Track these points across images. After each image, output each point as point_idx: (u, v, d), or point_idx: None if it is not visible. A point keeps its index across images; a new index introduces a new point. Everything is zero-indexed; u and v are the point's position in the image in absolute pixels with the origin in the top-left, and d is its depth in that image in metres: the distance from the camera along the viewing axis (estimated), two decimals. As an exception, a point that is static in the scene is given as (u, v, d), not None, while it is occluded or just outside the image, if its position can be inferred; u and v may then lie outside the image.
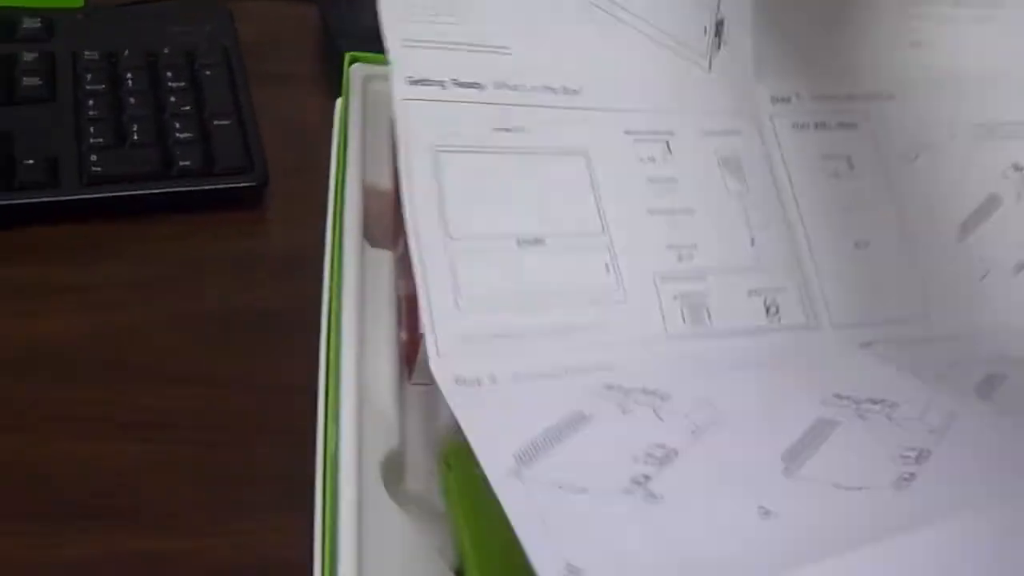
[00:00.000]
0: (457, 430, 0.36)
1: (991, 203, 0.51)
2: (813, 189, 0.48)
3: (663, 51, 0.48)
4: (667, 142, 0.46)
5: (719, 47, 0.49)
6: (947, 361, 0.45)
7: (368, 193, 0.48)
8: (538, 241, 0.41)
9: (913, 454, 0.37)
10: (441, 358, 0.37)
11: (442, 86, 0.42)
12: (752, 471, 0.35)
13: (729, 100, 0.48)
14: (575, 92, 0.45)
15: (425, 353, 0.38)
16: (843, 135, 0.50)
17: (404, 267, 0.43)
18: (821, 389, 0.40)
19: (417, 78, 0.42)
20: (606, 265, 0.42)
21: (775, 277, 0.45)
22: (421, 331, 0.39)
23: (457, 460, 0.40)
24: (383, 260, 0.46)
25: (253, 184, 0.59)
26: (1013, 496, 0.35)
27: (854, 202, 0.48)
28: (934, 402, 0.40)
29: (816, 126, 0.49)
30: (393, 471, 0.40)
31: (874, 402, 0.40)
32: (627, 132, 0.45)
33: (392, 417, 0.40)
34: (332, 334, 0.41)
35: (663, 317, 0.42)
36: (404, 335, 0.45)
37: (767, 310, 0.44)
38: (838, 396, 0.40)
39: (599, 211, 0.43)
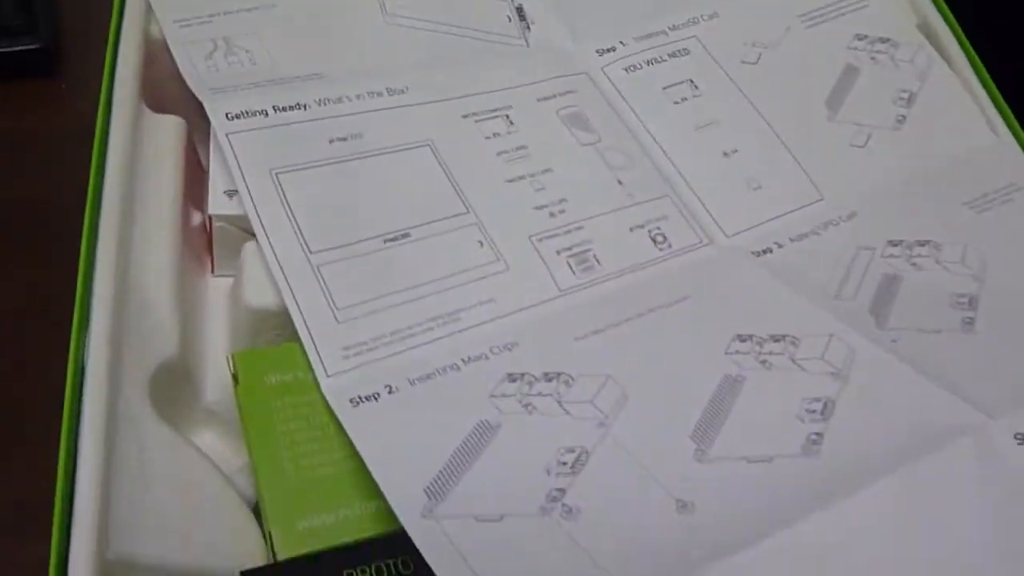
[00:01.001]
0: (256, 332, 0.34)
1: (849, 74, 0.52)
2: (663, 118, 0.48)
3: (477, 43, 0.49)
4: (507, 115, 0.45)
5: (528, 27, 0.50)
6: (851, 249, 0.45)
7: (152, 48, 0.43)
8: (404, 235, 0.40)
9: (818, 407, 0.37)
10: (331, 378, 0.36)
11: (264, 114, 0.42)
12: (665, 461, 0.35)
13: (555, 67, 0.48)
14: (402, 91, 0.45)
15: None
16: (678, 63, 0.50)
17: (203, 134, 0.40)
18: (723, 331, 0.39)
19: (235, 112, 0.42)
20: (479, 241, 0.41)
21: (653, 209, 0.44)
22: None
23: (246, 370, 0.36)
24: (169, 128, 0.41)
25: (36, 47, 0.49)
26: (910, 456, 0.35)
27: (709, 118, 0.48)
28: (835, 334, 0.40)
29: (648, 63, 0.49)
30: (169, 385, 0.35)
31: (776, 339, 0.40)
32: (465, 116, 0.45)
33: (167, 320, 0.35)
34: (91, 217, 0.36)
35: (551, 275, 0.41)
36: (204, 215, 0.41)
37: (654, 241, 0.43)
38: (740, 338, 0.39)
39: (458, 193, 0.42)
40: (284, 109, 0.42)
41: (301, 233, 0.39)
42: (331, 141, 0.42)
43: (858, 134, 0.49)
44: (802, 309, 0.41)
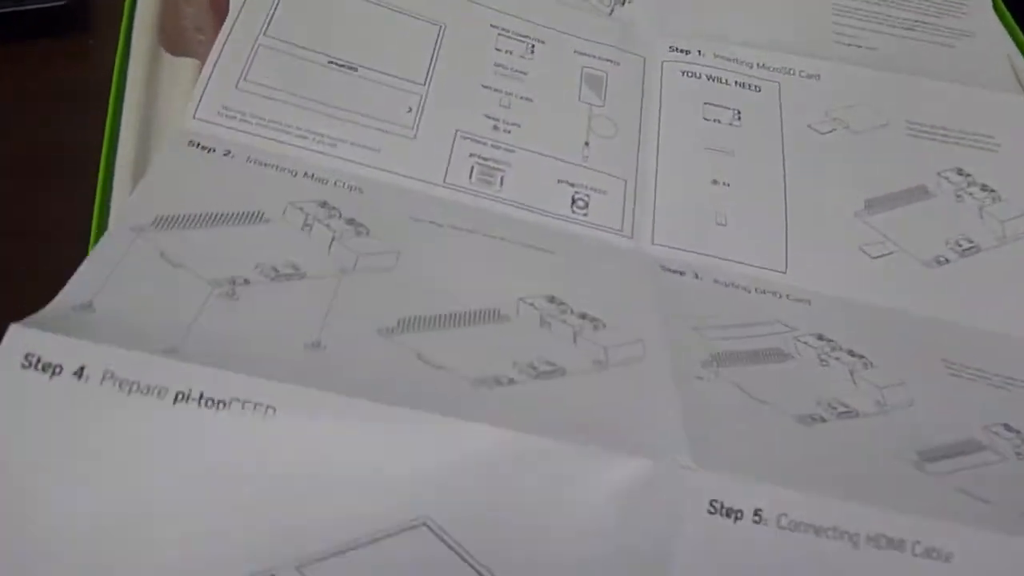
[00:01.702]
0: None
1: (917, 193, 0.45)
2: (683, 123, 0.45)
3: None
4: (532, 46, 0.46)
5: (623, 3, 0.50)
6: (770, 320, 0.39)
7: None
8: (351, 67, 0.43)
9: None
10: (194, 121, 0.39)
11: None
12: None
13: (619, 38, 0.48)
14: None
15: None
16: (739, 93, 0.47)
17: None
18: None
19: None
20: (410, 108, 0.42)
21: (599, 180, 0.43)
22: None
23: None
24: (185, 69, 0.43)
25: (63, 3, 0.50)
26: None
27: (728, 146, 0.45)
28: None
29: (711, 78, 0.47)
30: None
31: (581, 316, 0.36)
32: (494, 25, 0.46)
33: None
34: (107, 155, 0.40)
35: (447, 167, 0.41)
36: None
37: (573, 201, 0.42)
38: (550, 298, 0.37)
39: (430, 67, 0.44)
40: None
41: (271, 17, 0.43)
42: None
43: (877, 245, 0.43)
44: (629, 313, 0.37)
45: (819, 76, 0.48)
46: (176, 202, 0.36)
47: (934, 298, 0.42)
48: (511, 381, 0.32)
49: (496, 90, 0.44)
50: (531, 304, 0.36)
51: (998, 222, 0.45)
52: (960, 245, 0.44)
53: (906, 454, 0.34)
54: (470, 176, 0.41)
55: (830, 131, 0.47)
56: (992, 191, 0.46)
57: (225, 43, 0.41)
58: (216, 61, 0.41)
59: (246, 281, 0.33)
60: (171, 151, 0.38)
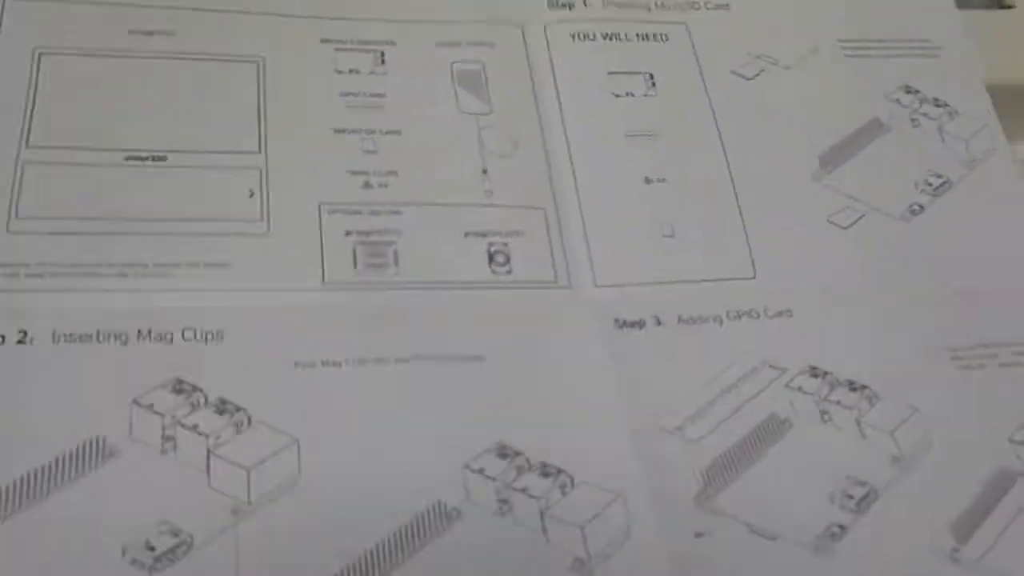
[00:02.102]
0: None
1: (872, 129, 0.39)
2: (590, 108, 0.36)
3: None
4: (381, 52, 0.36)
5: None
6: (754, 361, 0.32)
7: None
8: (159, 157, 0.32)
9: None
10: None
11: None
12: None
13: (487, 8, 0.38)
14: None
15: None
16: (646, 48, 0.38)
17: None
18: (471, 437, 0.29)
19: None
20: (251, 190, 0.32)
21: (512, 218, 0.34)
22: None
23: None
24: None
25: None
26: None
27: (650, 126, 0.36)
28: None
29: (607, 36, 0.38)
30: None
31: (543, 472, 0.29)
32: (325, 40, 0.35)
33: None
34: None
35: (322, 258, 0.31)
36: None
37: (491, 258, 0.33)
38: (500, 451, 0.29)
39: (260, 127, 0.33)
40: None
41: (29, 120, 0.31)
42: (131, 32, 0.34)
43: (846, 211, 0.36)
44: (594, 439, 0.30)
45: (728, 5, 0.40)
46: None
47: (919, 258, 0.36)
48: None
49: (353, 131, 0.34)
50: (480, 472, 0.28)
51: (961, 142, 0.39)
52: (930, 184, 0.38)
53: (940, 540, 0.29)
54: (354, 264, 0.32)
55: (758, 73, 0.39)
56: (945, 105, 0.39)
57: (-28, 174, 0.30)
58: (-30, 202, 0.30)
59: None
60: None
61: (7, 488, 0.25)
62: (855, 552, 0.29)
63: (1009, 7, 0.42)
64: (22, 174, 0.30)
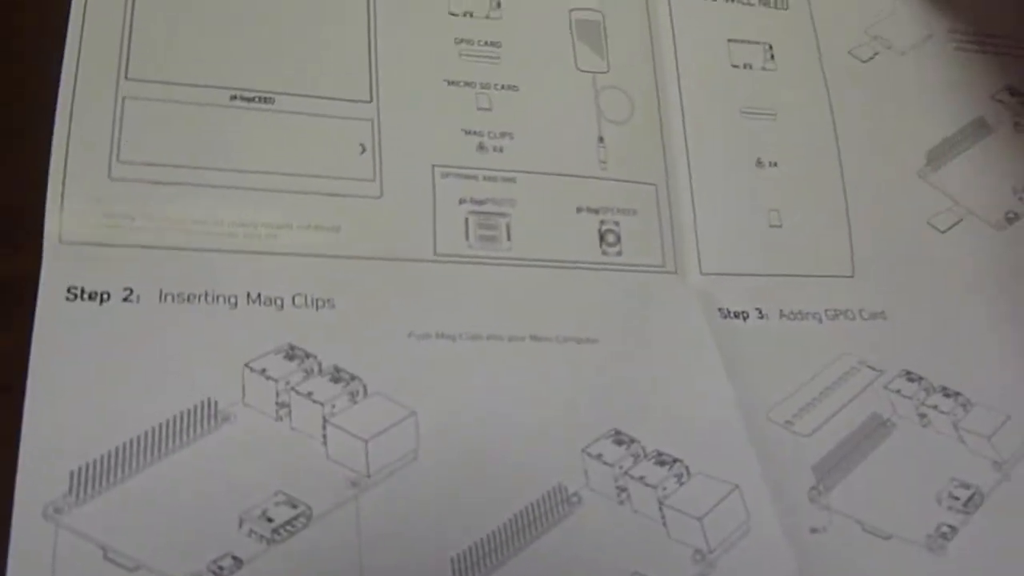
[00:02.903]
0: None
1: (977, 129, 0.38)
2: (708, 77, 0.35)
3: None
4: (498, -9, 0.33)
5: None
6: (852, 361, 0.32)
7: None
8: (265, 99, 0.29)
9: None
10: (63, 246, 0.25)
11: None
12: None
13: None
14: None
15: None
16: (765, 15, 0.36)
17: None
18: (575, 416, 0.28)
19: None
20: (362, 145, 0.30)
21: (626, 195, 0.32)
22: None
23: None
24: None
25: None
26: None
27: (766, 105, 0.35)
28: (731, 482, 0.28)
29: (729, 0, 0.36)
30: None
31: (659, 461, 0.28)
32: (443, -28, 0.33)
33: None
34: None
35: (434, 226, 0.30)
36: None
37: (601, 237, 0.32)
38: (616, 437, 0.28)
39: (372, 72, 0.30)
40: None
41: (127, 50, 0.28)
42: None
43: (946, 214, 0.36)
44: (708, 429, 0.29)
45: (852, -23, 0.38)
46: (87, 430, 0.24)
47: (1010, 267, 0.36)
48: None
49: (468, 84, 0.31)
50: (598, 457, 0.28)
51: (1062, 149, 0.38)
52: (1029, 191, 0.37)
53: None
54: (467, 235, 0.30)
55: (872, 56, 0.37)
56: (1052, 108, 0.39)
57: (72, 107, 0.27)
58: (67, 138, 0.26)
59: (236, 561, 0.23)
60: (48, 320, 0.24)
61: (116, 452, 0.24)
62: (967, 551, 0.29)
63: None
64: (123, 110, 0.27)
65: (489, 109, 0.31)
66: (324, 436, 0.26)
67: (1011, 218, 0.37)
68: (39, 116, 0.27)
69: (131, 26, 0.28)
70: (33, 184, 0.26)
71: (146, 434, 0.24)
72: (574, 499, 0.27)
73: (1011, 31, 0.39)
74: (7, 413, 0.24)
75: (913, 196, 0.35)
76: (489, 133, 0.31)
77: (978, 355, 0.34)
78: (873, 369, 0.33)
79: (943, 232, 0.36)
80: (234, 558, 0.24)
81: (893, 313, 0.34)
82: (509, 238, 0.30)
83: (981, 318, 0.35)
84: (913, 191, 0.36)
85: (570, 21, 0.33)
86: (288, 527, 0.24)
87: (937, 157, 0.36)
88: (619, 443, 0.28)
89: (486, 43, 0.32)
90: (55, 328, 0.25)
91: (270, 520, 0.24)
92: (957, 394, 0.33)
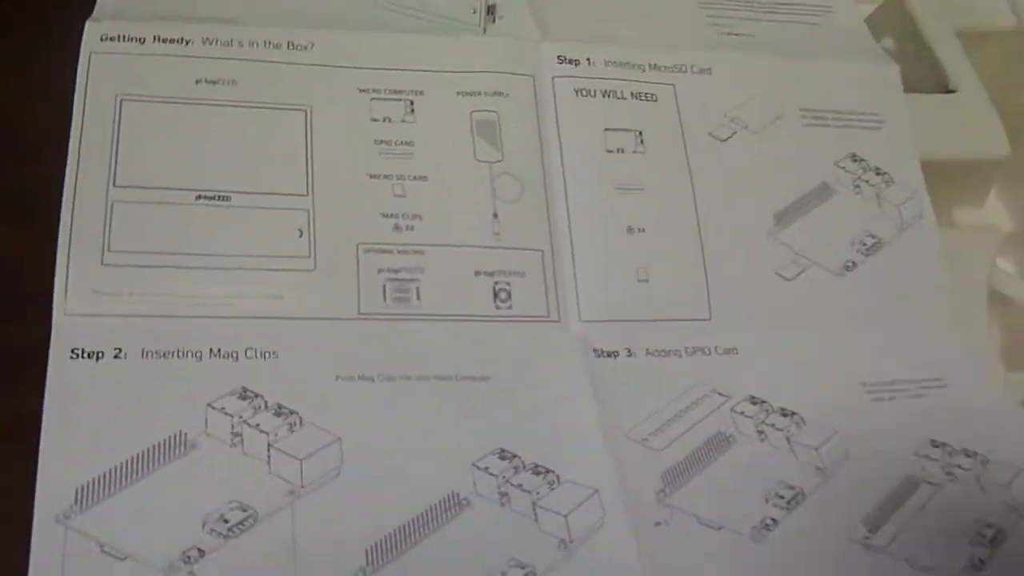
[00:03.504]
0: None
1: (820, 193, 0.45)
2: (587, 162, 0.42)
3: (422, 21, 0.44)
4: (411, 101, 0.41)
5: (494, 19, 0.45)
6: (703, 389, 0.40)
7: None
8: (223, 198, 0.37)
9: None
10: (68, 316, 0.34)
11: (141, 42, 0.39)
12: None
13: (502, 60, 0.43)
14: (304, 48, 0.41)
15: None
16: (637, 107, 0.44)
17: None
18: (475, 445, 0.36)
19: (112, 35, 0.39)
20: (299, 230, 0.38)
21: (516, 260, 0.40)
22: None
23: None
24: None
25: None
26: None
27: (636, 182, 0.43)
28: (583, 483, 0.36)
29: (605, 94, 0.44)
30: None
31: (535, 471, 0.36)
32: (363, 90, 0.41)
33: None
34: None
35: (358, 292, 0.38)
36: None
37: (495, 295, 0.39)
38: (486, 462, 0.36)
39: (308, 171, 0.39)
40: (164, 41, 0.39)
41: (115, 163, 0.37)
42: (198, 82, 0.39)
43: (791, 265, 0.43)
44: (576, 446, 0.37)
45: (711, 70, 0.45)
46: (88, 456, 0.32)
47: (847, 308, 0.43)
48: None
49: (386, 176, 0.40)
50: (485, 470, 0.35)
51: (894, 207, 0.46)
52: (864, 243, 0.45)
53: (855, 530, 0.37)
54: (384, 298, 0.38)
55: (730, 135, 0.45)
56: (884, 173, 0.46)
57: (73, 209, 0.35)
58: (70, 234, 0.35)
59: (200, 552, 0.31)
60: (56, 375, 0.33)
61: (110, 472, 0.32)
62: (785, 539, 0.36)
63: (951, 92, 0.48)
64: (112, 212, 0.36)
65: (404, 196, 0.40)
66: (268, 457, 0.34)
67: (849, 267, 0.44)
68: (45, 219, 0.36)
69: (117, 144, 0.37)
70: (43, 271, 0.35)
71: (133, 458, 0.33)
72: (464, 502, 0.35)
73: (854, 107, 0.47)
74: (28, 448, 0.32)
75: (763, 251, 0.43)
76: (403, 215, 0.39)
77: (813, 382, 0.41)
78: (722, 395, 0.40)
79: (789, 280, 0.43)
80: (199, 550, 0.31)
81: (744, 348, 0.41)
82: (419, 298, 0.38)
83: (818, 351, 0.42)
84: (763, 247, 0.43)
85: (471, 121, 0.42)
86: (240, 526, 0.32)
87: (784, 218, 0.44)
88: (503, 458, 0.36)
89: (401, 143, 0.40)
90: (63, 381, 0.33)
91: (226, 521, 0.32)
92: (793, 413, 0.40)
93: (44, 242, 0.36)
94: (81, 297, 0.35)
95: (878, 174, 0.46)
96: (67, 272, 0.35)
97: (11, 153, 0.41)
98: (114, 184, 0.36)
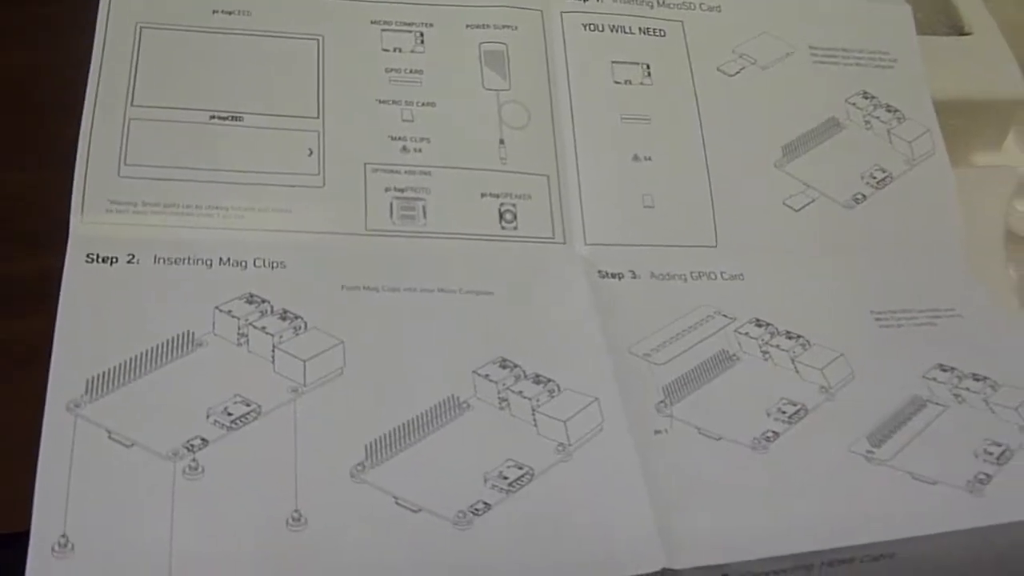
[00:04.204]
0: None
1: (828, 127, 0.45)
2: (593, 92, 0.43)
3: None
4: (420, 33, 0.42)
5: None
6: (708, 310, 0.40)
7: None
8: (235, 117, 0.39)
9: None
10: (84, 224, 0.36)
11: None
12: None
13: (512, -7, 0.45)
14: (317, -22, 0.43)
15: None
16: (645, 41, 0.45)
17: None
18: (470, 353, 0.36)
19: None
20: (310, 149, 0.39)
21: (521, 183, 0.41)
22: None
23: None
24: None
25: None
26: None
27: (642, 112, 0.43)
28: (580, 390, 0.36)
29: (613, 28, 0.45)
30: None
31: (536, 380, 0.37)
32: (374, 21, 0.42)
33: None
34: None
35: (365, 209, 0.39)
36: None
37: (501, 215, 0.40)
38: (481, 373, 0.36)
39: (319, 95, 0.40)
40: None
41: (133, 84, 0.38)
42: (215, 12, 0.41)
43: (799, 196, 0.44)
44: (578, 358, 0.37)
45: (720, 7, 0.46)
46: (98, 351, 0.33)
47: (857, 239, 0.43)
48: (486, 507, 0.33)
49: (395, 102, 0.41)
50: (486, 376, 0.36)
51: (905, 143, 0.46)
52: (875, 177, 0.45)
53: (857, 444, 0.37)
54: (391, 215, 0.39)
55: (739, 71, 0.45)
56: (896, 111, 0.46)
57: (92, 125, 0.37)
58: (88, 148, 0.37)
59: (203, 441, 0.32)
60: (73, 278, 0.34)
61: (119, 365, 0.33)
62: (785, 450, 0.36)
63: (967, 35, 0.48)
64: (128, 129, 0.37)
65: (412, 120, 0.41)
66: (273, 357, 0.35)
67: (859, 199, 0.44)
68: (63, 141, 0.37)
69: (136, 68, 0.38)
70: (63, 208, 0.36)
71: (141, 354, 0.34)
72: (464, 405, 0.35)
73: (865, 46, 0.47)
74: (43, 346, 0.34)
75: (770, 182, 0.43)
76: (411, 139, 0.40)
77: (820, 308, 0.41)
78: (726, 317, 0.40)
79: (797, 211, 0.43)
80: (202, 439, 0.32)
81: (750, 275, 0.42)
82: (425, 216, 0.39)
83: (825, 280, 0.42)
84: (770, 178, 0.43)
85: (480, 52, 0.43)
86: (243, 419, 0.33)
87: (792, 150, 0.44)
88: (504, 367, 0.37)
89: (410, 71, 0.41)
90: (77, 282, 0.34)
91: (230, 414, 0.33)
92: (799, 336, 0.40)
93: (64, 182, 0.37)
94: (97, 207, 0.36)
95: (889, 111, 0.46)
96: (84, 183, 0.36)
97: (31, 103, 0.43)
98: (132, 103, 0.38)
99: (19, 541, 0.30)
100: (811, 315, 0.41)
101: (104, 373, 0.33)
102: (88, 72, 0.38)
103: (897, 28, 0.48)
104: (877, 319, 0.42)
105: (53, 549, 0.29)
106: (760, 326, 0.40)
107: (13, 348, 0.37)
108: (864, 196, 0.44)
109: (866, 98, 0.46)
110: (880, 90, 0.46)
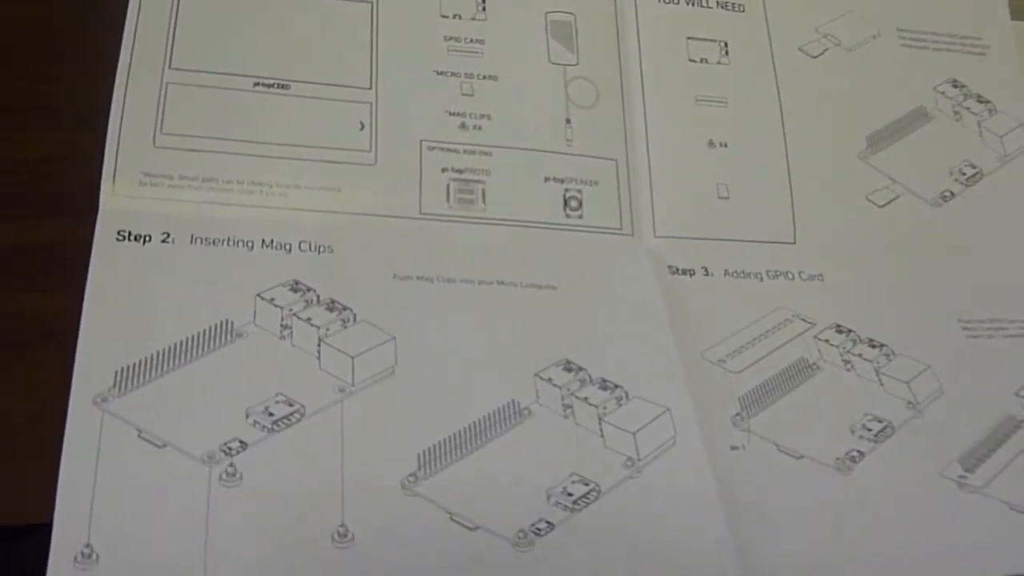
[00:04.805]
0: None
1: (917, 117, 0.42)
2: (667, 69, 0.40)
3: None
4: (483, -1, 0.39)
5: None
6: (786, 313, 0.37)
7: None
8: (282, 85, 0.35)
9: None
10: (115, 196, 0.32)
11: None
12: None
13: (583, -38, 0.41)
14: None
15: None
16: (722, 17, 0.41)
17: None
18: (530, 357, 0.33)
19: None
20: (361, 123, 0.36)
21: (588, 168, 0.37)
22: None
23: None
24: None
25: None
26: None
27: (719, 93, 0.40)
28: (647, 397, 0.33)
29: (689, 2, 0.41)
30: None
31: (602, 385, 0.34)
32: (433, -16, 0.39)
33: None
34: None
35: (420, 191, 0.35)
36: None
37: (566, 202, 0.37)
38: (543, 374, 0.33)
39: (372, 65, 0.37)
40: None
41: (171, 45, 0.35)
42: None
43: (883, 191, 0.40)
44: (647, 362, 0.34)
45: (803, -16, 0.42)
46: (128, 340, 0.30)
47: (944, 241, 0.40)
48: (549, 526, 0.30)
49: (453, 74, 0.37)
50: (549, 380, 0.33)
51: (997, 138, 0.42)
52: (964, 173, 0.41)
53: (949, 469, 0.34)
54: (447, 198, 0.36)
55: (822, 52, 0.42)
56: (987, 102, 0.43)
57: (126, 90, 0.33)
58: (121, 114, 0.33)
59: (242, 444, 0.29)
60: (102, 256, 0.31)
61: (152, 357, 0.30)
62: (872, 473, 0.34)
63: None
64: (166, 94, 0.34)
65: (471, 95, 0.37)
66: (318, 352, 0.32)
67: (947, 196, 0.41)
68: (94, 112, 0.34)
69: (175, 29, 0.35)
70: (93, 163, 0.33)
71: (176, 344, 0.31)
72: (525, 412, 0.32)
73: (956, 30, 0.43)
74: (70, 330, 0.31)
75: (853, 174, 0.40)
76: (470, 115, 0.37)
77: (905, 314, 0.38)
78: (805, 321, 0.37)
79: (881, 207, 0.40)
80: (241, 442, 0.30)
81: (830, 276, 0.38)
82: (484, 201, 0.36)
83: (910, 283, 0.39)
84: (853, 170, 0.40)
85: (546, 22, 0.39)
86: (285, 420, 0.30)
87: (877, 141, 0.41)
88: (568, 370, 0.34)
89: (471, 40, 0.38)
90: (107, 262, 0.31)
91: (271, 414, 0.30)
92: (882, 345, 0.37)
93: (97, 146, 0.34)
94: (130, 179, 0.33)
95: (980, 102, 0.42)
96: (116, 153, 0.33)
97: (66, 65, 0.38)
98: (169, 66, 0.34)
99: (36, 535, 0.27)
100: (894, 322, 0.38)
101: (134, 365, 0.30)
102: (123, 29, 0.34)
103: (990, 12, 0.44)
104: (965, 328, 0.38)
105: (76, 559, 0.26)
106: (841, 332, 0.37)
107: (36, 326, 0.33)
108: (952, 193, 0.41)
109: (956, 87, 0.43)
110: (971, 79, 0.43)
